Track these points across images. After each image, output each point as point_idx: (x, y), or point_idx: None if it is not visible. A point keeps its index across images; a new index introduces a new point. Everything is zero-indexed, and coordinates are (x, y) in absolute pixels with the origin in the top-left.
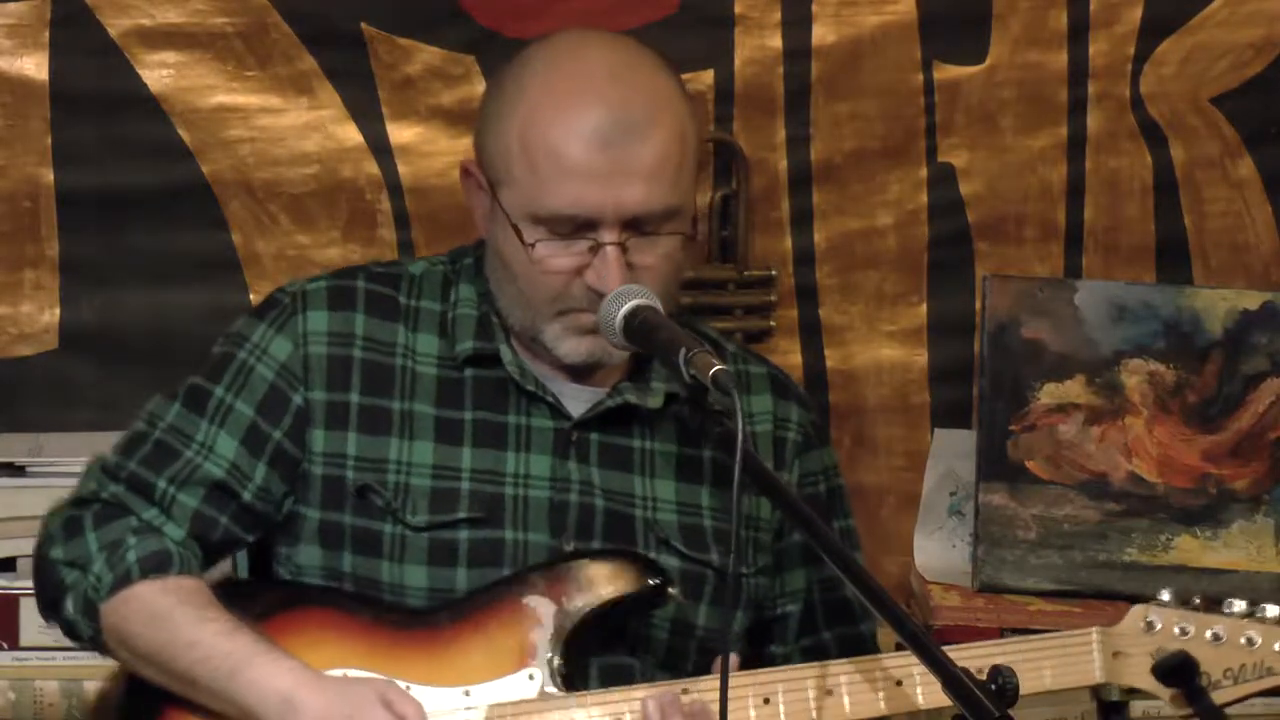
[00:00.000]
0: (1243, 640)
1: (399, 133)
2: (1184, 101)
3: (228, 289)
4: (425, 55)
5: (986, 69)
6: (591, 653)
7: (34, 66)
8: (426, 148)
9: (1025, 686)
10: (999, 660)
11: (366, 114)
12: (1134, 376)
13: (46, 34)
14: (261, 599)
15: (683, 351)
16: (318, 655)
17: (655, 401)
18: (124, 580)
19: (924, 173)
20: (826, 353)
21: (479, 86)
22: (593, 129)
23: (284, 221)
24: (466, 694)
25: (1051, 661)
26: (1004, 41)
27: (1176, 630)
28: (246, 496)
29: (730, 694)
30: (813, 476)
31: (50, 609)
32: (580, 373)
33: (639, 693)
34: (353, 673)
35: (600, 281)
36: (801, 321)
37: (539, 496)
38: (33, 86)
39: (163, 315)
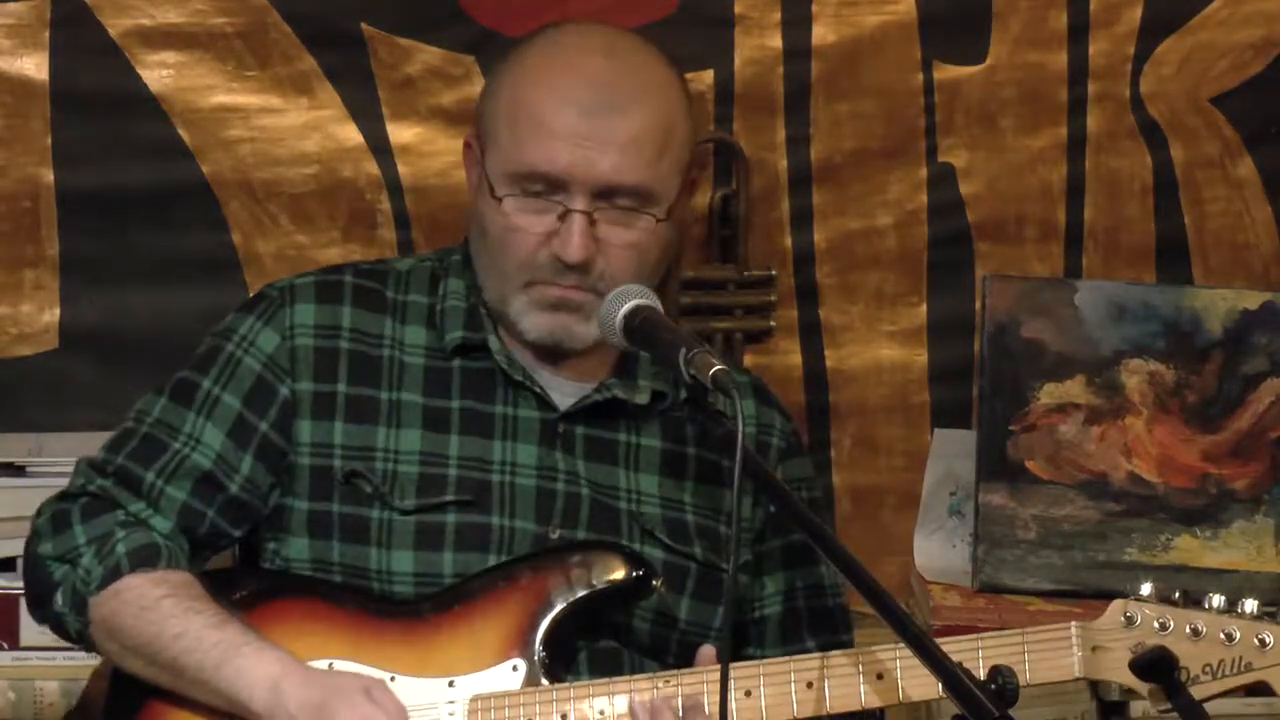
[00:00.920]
0: (1222, 635)
1: (399, 133)
2: (1184, 101)
3: (228, 289)
4: (425, 55)
5: (986, 69)
6: (578, 641)
7: (34, 66)
8: (426, 148)
9: None
10: (978, 654)
11: (366, 114)
12: (1134, 376)
13: (46, 34)
14: (246, 589)
15: (683, 351)
16: (302, 645)
17: (642, 398)
18: (114, 573)
19: (924, 173)
20: (826, 353)
21: (479, 86)
22: (576, 96)
23: (284, 221)
24: (451, 685)
25: (1030, 656)
26: (1004, 41)
27: (1156, 625)
28: (233, 488)
29: (711, 686)
30: (795, 483)
31: (39, 605)
32: (552, 357)
33: (622, 685)
34: (338, 663)
35: (563, 248)
36: (801, 321)
37: (526, 484)
38: (33, 86)
39: (163, 315)
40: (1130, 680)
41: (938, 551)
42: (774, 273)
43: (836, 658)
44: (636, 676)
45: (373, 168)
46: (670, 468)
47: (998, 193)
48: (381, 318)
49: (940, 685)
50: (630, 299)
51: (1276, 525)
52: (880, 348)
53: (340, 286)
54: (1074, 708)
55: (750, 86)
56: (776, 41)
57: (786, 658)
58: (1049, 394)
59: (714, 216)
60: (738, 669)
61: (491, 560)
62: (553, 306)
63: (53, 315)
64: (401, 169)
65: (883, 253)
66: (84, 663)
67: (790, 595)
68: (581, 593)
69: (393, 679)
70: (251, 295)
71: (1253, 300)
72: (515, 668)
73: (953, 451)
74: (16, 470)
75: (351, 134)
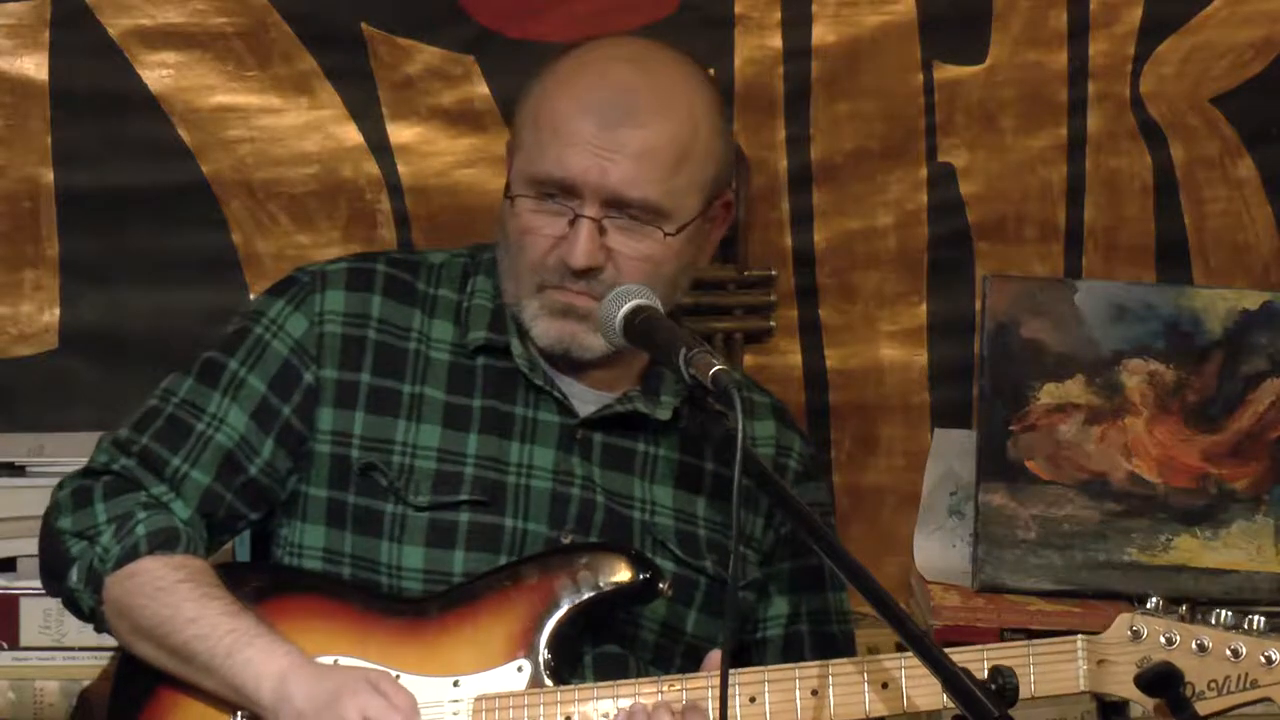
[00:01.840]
0: (1228, 651)
1: (399, 133)
2: (1184, 101)
3: (228, 289)
4: (425, 55)
5: (986, 69)
6: (584, 644)
7: (34, 66)
8: (426, 148)
9: None
10: (983, 664)
11: (366, 114)
12: (1134, 376)
13: (46, 34)
14: (255, 582)
15: (683, 351)
16: (308, 641)
17: (663, 414)
18: (131, 553)
19: (924, 173)
20: (826, 353)
21: (479, 86)
22: (597, 104)
23: (284, 221)
24: (456, 684)
25: (1035, 668)
26: (1004, 41)
27: (1162, 640)
28: (253, 470)
29: (715, 691)
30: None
31: (53, 579)
32: (569, 366)
33: (626, 688)
34: (343, 660)
35: (569, 252)
36: (801, 321)
37: (541, 487)
38: (33, 86)
39: (163, 315)
40: (1135, 695)
41: (938, 551)
42: (774, 273)
43: (841, 665)
44: (641, 680)
45: (373, 168)
46: (686, 481)
47: (998, 193)
48: (411, 310)
49: (941, 686)
50: (630, 299)
51: (1276, 525)
52: (880, 348)
53: (372, 275)
54: (1074, 708)
55: (750, 86)
56: (776, 41)
57: (792, 664)
58: (1049, 394)
59: None
60: (742, 675)
61: (502, 561)
62: (561, 313)
63: (53, 315)
64: (401, 169)
65: (883, 253)
66: (84, 663)
67: (794, 619)
68: (588, 594)
69: (398, 677)
70: (283, 278)
71: (1253, 300)
72: (520, 668)
73: (953, 451)
74: (16, 470)
75: (351, 134)
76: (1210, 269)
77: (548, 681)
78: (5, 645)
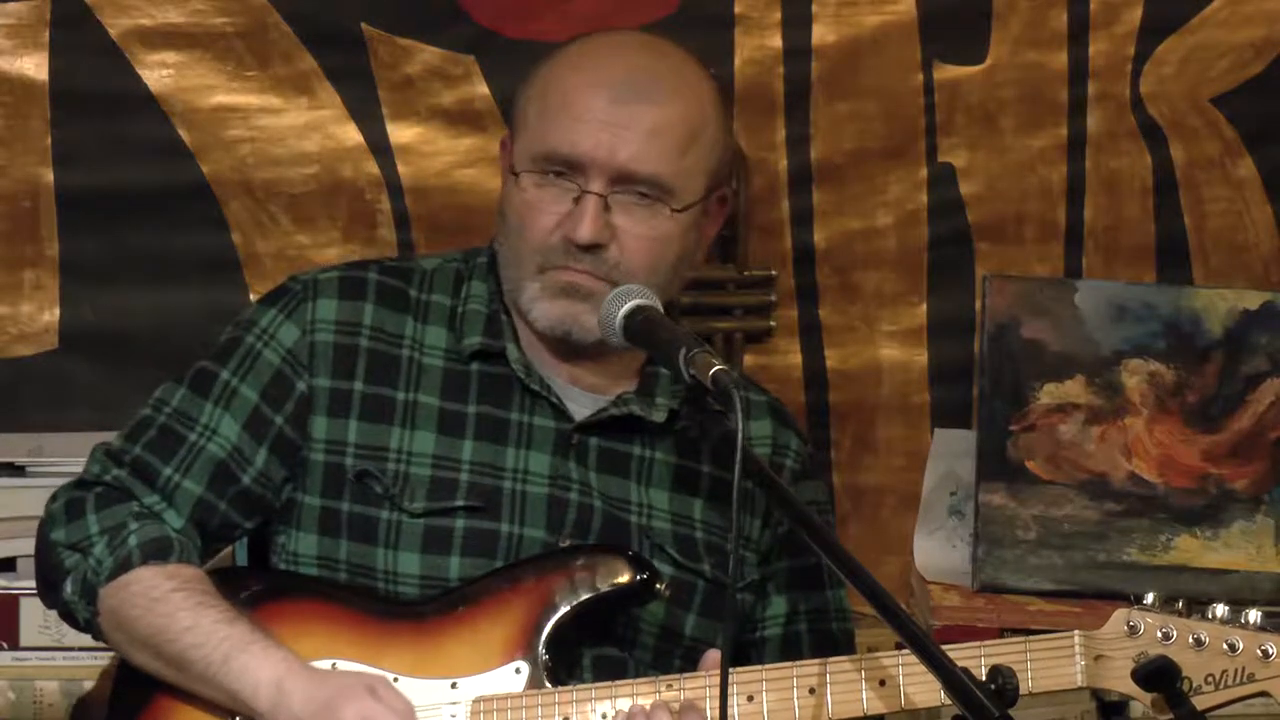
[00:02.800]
0: (1225, 646)
1: (399, 133)
2: (1184, 101)
3: (228, 289)
4: (425, 55)
5: (986, 69)
6: (582, 646)
7: (34, 66)
8: (426, 148)
9: None
10: (980, 661)
11: (366, 114)
12: (1134, 376)
13: (46, 34)
14: (253, 586)
15: (683, 351)
16: (306, 646)
17: (659, 416)
18: (124, 564)
19: (924, 173)
20: (826, 353)
21: (479, 86)
22: (609, 82)
23: (284, 221)
24: (453, 686)
25: (1033, 664)
26: (1004, 41)
27: (1159, 634)
28: (246, 480)
29: (714, 691)
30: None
31: (49, 590)
32: (566, 353)
33: (625, 689)
34: (341, 664)
35: (574, 228)
36: (801, 321)
37: (537, 493)
38: (33, 86)
39: (163, 315)
40: (1133, 690)
41: (938, 551)
42: (774, 273)
43: (839, 663)
44: (639, 680)
45: (373, 168)
46: (682, 484)
47: (998, 192)
48: (403, 317)
49: (940, 685)
50: (631, 299)
51: (1276, 525)
52: (880, 348)
53: (364, 283)
54: (1074, 708)
55: (750, 86)
56: (776, 41)
57: (790, 663)
58: (1049, 394)
59: None
60: (740, 674)
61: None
62: (564, 293)
63: (53, 315)
64: (401, 169)
65: (883, 253)
66: (84, 663)
67: (793, 618)
68: (585, 595)
69: (395, 680)
70: (276, 286)
71: (1253, 300)
72: (518, 670)
73: (953, 451)
74: (16, 470)
75: (351, 134)
76: (1210, 269)
77: (546, 683)
78: (5, 645)
